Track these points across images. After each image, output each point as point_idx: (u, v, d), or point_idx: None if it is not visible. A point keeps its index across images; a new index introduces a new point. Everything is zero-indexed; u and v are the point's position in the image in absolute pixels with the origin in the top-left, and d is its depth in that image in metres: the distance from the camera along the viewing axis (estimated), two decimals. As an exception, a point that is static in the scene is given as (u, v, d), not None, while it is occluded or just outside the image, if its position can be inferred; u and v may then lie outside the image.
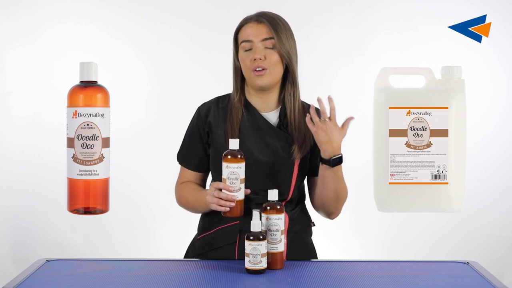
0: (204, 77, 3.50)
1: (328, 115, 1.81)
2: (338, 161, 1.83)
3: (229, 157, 1.70)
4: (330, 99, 1.81)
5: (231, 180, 1.70)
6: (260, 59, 1.84)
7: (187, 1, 3.55)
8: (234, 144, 1.71)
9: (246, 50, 1.87)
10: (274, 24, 1.86)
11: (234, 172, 1.69)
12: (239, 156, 1.70)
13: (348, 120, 1.84)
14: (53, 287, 1.62)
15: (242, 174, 1.71)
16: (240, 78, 1.94)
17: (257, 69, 1.84)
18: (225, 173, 1.71)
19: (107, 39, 3.53)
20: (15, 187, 3.51)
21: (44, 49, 3.50)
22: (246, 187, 1.73)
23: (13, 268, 3.39)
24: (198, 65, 3.54)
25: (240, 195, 1.71)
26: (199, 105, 2.00)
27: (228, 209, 1.71)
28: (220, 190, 1.72)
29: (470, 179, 3.53)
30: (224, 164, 1.70)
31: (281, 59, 1.87)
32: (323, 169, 1.85)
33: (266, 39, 1.86)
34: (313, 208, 2.02)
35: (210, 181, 2.01)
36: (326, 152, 1.81)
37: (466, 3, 3.48)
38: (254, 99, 1.94)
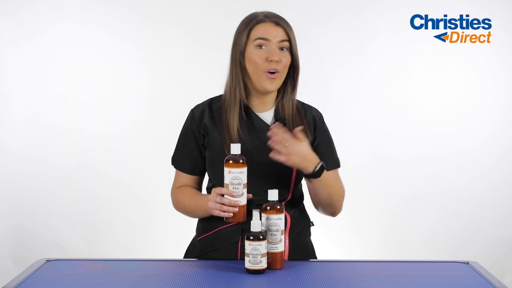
0: (204, 77, 3.50)
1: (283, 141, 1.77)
2: (322, 169, 1.81)
3: (231, 162, 1.68)
4: (274, 127, 1.78)
5: (234, 186, 1.68)
6: (277, 61, 1.83)
7: (187, 1, 3.55)
8: (235, 148, 1.69)
9: (258, 47, 1.84)
10: (289, 28, 1.88)
11: (236, 177, 1.68)
12: (241, 161, 1.68)
13: (297, 130, 1.78)
14: (53, 287, 1.62)
15: (244, 179, 1.69)
16: (241, 75, 1.89)
17: (271, 71, 1.83)
18: (227, 179, 1.69)
19: (107, 39, 3.53)
20: (15, 187, 3.51)
21: (44, 49, 3.51)
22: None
23: (13, 268, 3.40)
24: (198, 65, 3.55)
25: (243, 200, 1.70)
26: (192, 107, 1.98)
27: (232, 214, 1.70)
28: (223, 195, 1.70)
29: (470, 179, 3.57)
30: (226, 169, 1.68)
31: (291, 62, 1.87)
32: (311, 182, 1.84)
33: (282, 41, 1.85)
34: (313, 207, 2.01)
35: (207, 183, 1.99)
36: (307, 169, 1.79)
37: (467, 4, 3.48)
38: (251, 99, 1.92)
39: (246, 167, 1.69)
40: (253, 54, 1.85)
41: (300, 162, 1.78)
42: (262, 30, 1.86)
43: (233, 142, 1.83)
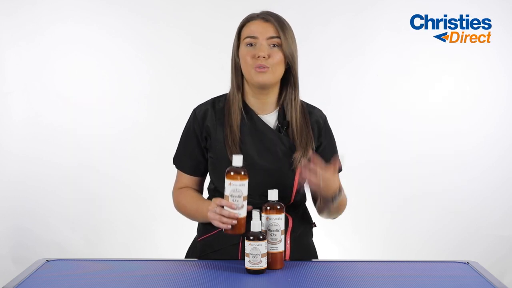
0: (204, 77, 3.51)
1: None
2: (339, 195, 1.82)
3: (232, 174, 1.66)
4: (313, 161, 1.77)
5: (234, 198, 1.66)
6: (264, 57, 1.81)
7: (187, 1, 3.55)
8: (237, 160, 1.67)
9: (248, 45, 1.84)
10: (281, 24, 1.85)
11: (237, 189, 1.66)
12: (242, 173, 1.66)
13: (335, 161, 1.78)
14: (53, 287, 1.62)
15: (245, 192, 1.67)
16: (240, 76, 1.89)
17: (259, 68, 1.81)
18: (227, 190, 1.67)
19: (107, 39, 3.53)
20: (15, 187, 3.51)
21: (44, 49, 3.51)
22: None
23: (13, 268, 3.40)
24: (199, 65, 3.54)
25: (243, 212, 1.68)
26: (195, 107, 1.97)
27: (230, 226, 1.69)
28: (222, 207, 1.69)
29: (470, 179, 3.57)
30: (227, 181, 1.67)
31: (284, 59, 1.84)
32: (323, 201, 1.85)
33: (272, 37, 1.83)
34: (314, 208, 2.01)
35: (208, 184, 1.99)
36: (328, 195, 1.80)
37: (467, 4, 3.48)
38: (252, 100, 1.90)
39: (248, 179, 1.67)
40: (243, 52, 1.85)
41: (325, 190, 1.78)
42: (250, 28, 1.85)
43: (235, 144, 1.83)
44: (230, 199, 1.67)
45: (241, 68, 1.87)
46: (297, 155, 1.86)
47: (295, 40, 1.88)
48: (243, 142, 1.85)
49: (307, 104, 1.97)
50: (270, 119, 1.91)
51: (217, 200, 1.71)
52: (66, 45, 3.51)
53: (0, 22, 3.47)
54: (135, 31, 3.54)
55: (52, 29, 3.50)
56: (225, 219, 1.68)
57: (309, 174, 1.75)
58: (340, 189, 1.82)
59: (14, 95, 3.52)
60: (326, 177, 1.74)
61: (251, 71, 1.83)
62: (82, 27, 3.51)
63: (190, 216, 1.94)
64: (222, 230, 1.88)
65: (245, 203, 1.68)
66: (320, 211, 1.96)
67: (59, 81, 3.53)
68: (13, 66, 3.51)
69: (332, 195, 1.80)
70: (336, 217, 1.97)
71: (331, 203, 1.82)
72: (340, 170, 1.93)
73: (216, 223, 1.70)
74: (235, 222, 1.67)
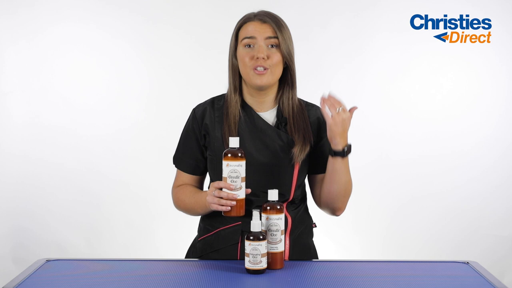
0: (204, 77, 3.51)
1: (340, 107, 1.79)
2: (350, 149, 1.83)
3: (229, 155, 1.67)
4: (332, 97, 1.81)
5: (232, 179, 1.67)
6: (263, 58, 1.82)
7: (187, 1, 3.55)
8: (234, 142, 1.69)
9: (246, 46, 1.85)
10: (278, 24, 1.86)
11: (235, 170, 1.67)
12: (239, 155, 1.67)
13: (354, 108, 1.81)
14: (53, 287, 1.62)
15: (243, 173, 1.68)
16: (238, 77, 1.91)
17: (258, 68, 1.82)
18: (225, 172, 1.68)
19: (107, 39, 3.53)
20: (15, 188, 3.51)
21: (44, 49, 3.51)
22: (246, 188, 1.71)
23: (13, 268, 3.40)
24: (198, 65, 3.55)
25: (241, 193, 1.69)
26: (194, 106, 1.98)
27: (229, 208, 1.69)
28: (221, 189, 1.70)
29: (470, 179, 3.57)
30: (224, 163, 1.68)
31: (282, 59, 1.86)
32: (335, 162, 1.82)
33: (270, 37, 1.84)
34: (316, 207, 2.00)
35: (209, 183, 1.99)
36: (339, 144, 1.80)
37: (467, 4, 3.48)
38: (250, 99, 1.91)
39: (245, 160, 1.68)
40: (241, 53, 1.86)
41: (339, 133, 1.78)
42: (248, 29, 1.86)
43: None
44: (228, 180, 1.68)
45: (239, 69, 1.88)
46: (295, 150, 1.86)
47: (291, 40, 1.89)
48: (242, 139, 1.86)
49: (307, 102, 1.98)
50: (269, 116, 1.92)
51: (215, 183, 1.71)
52: (66, 45, 3.51)
53: (0, 22, 3.47)
54: (135, 31, 3.54)
55: (52, 29, 3.50)
56: (223, 201, 1.68)
57: (327, 108, 1.78)
58: (350, 145, 1.83)
59: (14, 95, 3.52)
60: (342, 117, 1.76)
61: (250, 72, 1.84)
62: (82, 27, 3.51)
63: (190, 210, 1.94)
64: (221, 230, 1.88)
65: (243, 184, 1.68)
66: (327, 192, 1.89)
67: (59, 81, 3.53)
68: (13, 66, 3.51)
69: (344, 142, 1.80)
70: (341, 205, 1.90)
71: (341, 158, 1.81)
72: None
73: (215, 207, 1.70)
74: (233, 203, 1.68)
